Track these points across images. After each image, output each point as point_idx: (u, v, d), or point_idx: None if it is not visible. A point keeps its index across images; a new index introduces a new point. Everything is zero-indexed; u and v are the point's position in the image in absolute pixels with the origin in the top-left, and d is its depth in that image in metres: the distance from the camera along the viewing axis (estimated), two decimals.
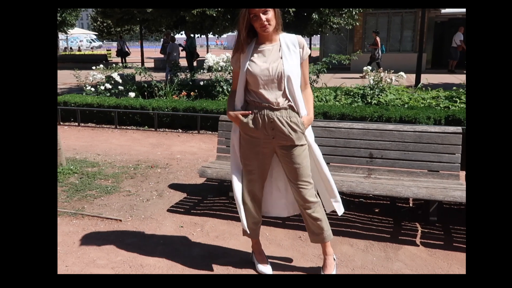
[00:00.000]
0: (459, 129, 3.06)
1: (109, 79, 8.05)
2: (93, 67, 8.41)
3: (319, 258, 2.63)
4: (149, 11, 8.04)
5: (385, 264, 2.58)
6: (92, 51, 38.81)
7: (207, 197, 3.69)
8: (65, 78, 14.33)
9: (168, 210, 3.42)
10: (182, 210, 3.43)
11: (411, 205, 3.49)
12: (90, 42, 46.50)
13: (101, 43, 46.19)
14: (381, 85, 6.74)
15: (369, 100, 6.59)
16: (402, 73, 6.80)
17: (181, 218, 3.27)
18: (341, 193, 3.72)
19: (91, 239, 2.92)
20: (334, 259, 2.48)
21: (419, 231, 3.00)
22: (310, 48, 14.36)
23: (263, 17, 2.08)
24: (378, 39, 14.21)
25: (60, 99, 7.15)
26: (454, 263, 2.58)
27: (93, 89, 7.83)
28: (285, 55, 2.17)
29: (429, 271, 2.49)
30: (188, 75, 8.95)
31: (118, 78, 7.99)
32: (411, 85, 9.45)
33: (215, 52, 31.33)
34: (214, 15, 7.84)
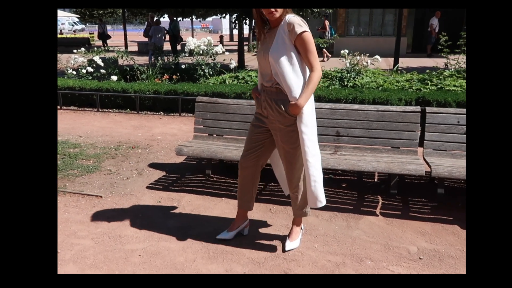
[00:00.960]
0: (418, 108, 3.28)
1: (91, 62, 8.07)
2: (75, 51, 8.40)
3: (287, 228, 2.85)
4: None
5: (345, 232, 2.82)
6: (75, 34, 38.02)
7: (185, 175, 3.87)
8: None
9: (147, 187, 3.59)
10: (161, 187, 3.61)
11: (376, 180, 3.73)
12: (73, 25, 45.44)
13: (83, 26, 45.22)
14: (357, 68, 6.94)
15: (346, 83, 6.79)
16: (377, 56, 7.00)
17: (159, 194, 3.45)
18: None
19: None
20: (301, 229, 2.72)
21: (380, 203, 3.24)
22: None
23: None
24: (326, 22, 14.80)
25: None
26: (408, 230, 2.83)
27: (74, 72, 7.86)
28: (276, 39, 2.24)
29: (385, 237, 2.74)
30: (172, 59, 9.01)
31: (100, 62, 8.02)
32: (390, 69, 9.69)
33: (200, 35, 31.07)
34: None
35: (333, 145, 3.47)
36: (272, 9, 2.18)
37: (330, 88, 6.52)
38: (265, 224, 2.93)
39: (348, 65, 7.02)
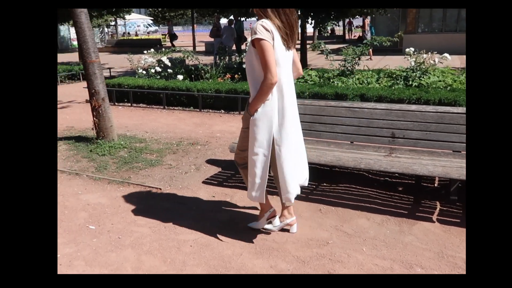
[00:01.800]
0: None
1: (159, 62, 8.56)
2: (145, 52, 8.96)
3: (335, 229, 2.84)
4: None
5: (397, 237, 2.74)
6: (148, 35, 40.33)
7: (237, 172, 3.99)
8: (121, 62, 15.24)
9: (203, 182, 3.76)
10: (216, 182, 3.76)
11: (436, 185, 3.56)
12: (147, 27, 48.18)
13: (157, 27, 47.71)
14: (423, 67, 6.60)
15: (410, 83, 6.50)
16: (446, 54, 6.59)
17: (214, 189, 3.60)
18: (358, 169, 3.85)
19: (134, 203, 3.33)
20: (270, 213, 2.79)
21: (438, 209, 3.09)
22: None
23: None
24: (366, 21, 14.31)
25: (115, 82, 7.77)
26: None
27: (144, 72, 8.39)
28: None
29: (439, 245, 2.62)
30: (236, 58, 9.26)
31: (167, 62, 8.47)
32: (462, 67, 9.07)
33: None
34: None
35: (388, 146, 3.37)
36: (254, 10, 2.29)
37: (393, 88, 6.29)
38: (314, 223, 2.94)
39: (413, 63, 6.71)
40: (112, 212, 3.17)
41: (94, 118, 4.71)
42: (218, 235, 2.79)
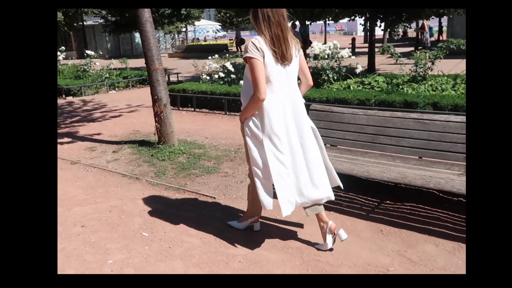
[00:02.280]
0: None
1: (223, 68, 8.67)
2: (209, 57, 9.13)
3: (398, 254, 2.57)
4: None
5: None
6: (216, 41, 41.57)
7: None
8: (189, 67, 15.74)
9: None
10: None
11: None
12: (216, 32, 49.71)
13: (225, 33, 49.03)
14: None
15: None
16: None
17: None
18: (427, 189, 3.49)
19: (188, 211, 3.31)
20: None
21: None
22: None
23: None
24: (426, 22, 13.38)
25: (180, 87, 8.00)
26: None
27: (208, 77, 8.54)
28: None
29: None
30: None
31: (230, 67, 8.55)
32: None
33: (334, 38, 30.71)
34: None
35: (462, 164, 3.00)
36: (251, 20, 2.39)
37: None
38: (374, 246, 2.69)
39: None
40: (166, 219, 3.18)
41: (156, 124, 4.83)
42: (268, 252, 2.65)
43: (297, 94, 2.49)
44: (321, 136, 3.66)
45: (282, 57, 2.35)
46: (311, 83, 2.67)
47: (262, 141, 2.41)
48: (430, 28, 14.30)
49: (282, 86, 2.39)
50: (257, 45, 2.29)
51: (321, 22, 17.63)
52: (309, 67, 8.93)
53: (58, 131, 6.46)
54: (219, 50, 22.12)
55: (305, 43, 14.83)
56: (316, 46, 7.39)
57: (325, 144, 3.71)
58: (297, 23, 13.93)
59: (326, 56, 7.56)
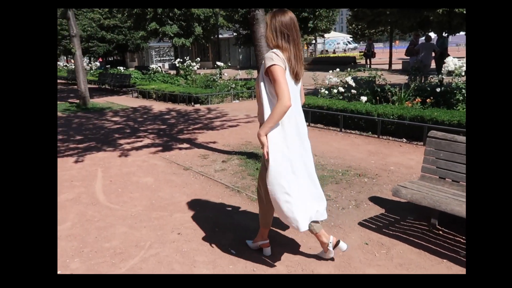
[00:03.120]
0: None
1: (343, 83, 8.35)
2: (330, 71, 8.89)
3: None
4: (389, 12, 7.82)
5: None
6: (345, 53, 40.85)
7: (406, 218, 3.37)
8: (311, 80, 15.72)
9: (359, 223, 3.32)
10: (374, 226, 3.26)
11: None
12: (346, 45, 48.92)
13: (356, 45, 47.87)
14: None
15: None
16: None
17: (369, 234, 3.12)
18: None
19: (279, 234, 3.17)
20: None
21: None
22: None
23: None
24: None
25: None
26: None
27: (326, 92, 8.31)
28: (261, 70, 2.43)
29: None
30: (433, 79, 8.23)
31: (351, 82, 8.18)
32: None
33: None
34: (464, 12, 6.89)
35: None
36: (267, 35, 2.44)
37: None
38: None
39: None
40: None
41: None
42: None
43: (301, 110, 2.58)
44: (441, 168, 3.18)
45: (296, 75, 2.48)
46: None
47: (284, 153, 2.43)
48: None
49: (295, 101, 2.46)
50: (280, 56, 2.36)
51: (461, 33, 15.78)
52: (444, 85, 7.89)
53: (180, 136, 7.00)
54: (346, 63, 21.60)
55: (443, 56, 13.46)
56: (451, 62, 6.56)
57: (444, 179, 3.20)
58: (432, 34, 12.73)
59: (463, 73, 6.65)
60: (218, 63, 12.82)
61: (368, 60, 22.11)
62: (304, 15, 13.73)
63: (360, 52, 35.55)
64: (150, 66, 20.32)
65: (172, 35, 19.06)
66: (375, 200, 3.80)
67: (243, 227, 3.31)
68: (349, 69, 8.75)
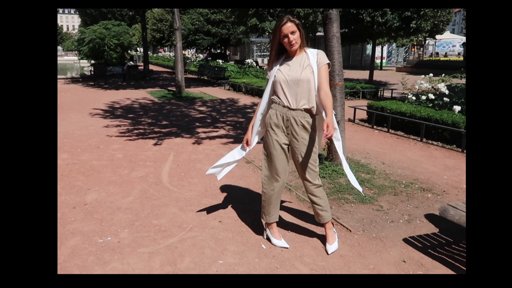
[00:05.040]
0: None
1: (435, 89, 7.74)
2: (423, 75, 8.29)
3: None
4: None
5: None
6: (458, 57, 37.27)
7: (459, 242, 3.08)
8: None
9: (405, 239, 3.13)
10: (420, 245, 3.04)
11: None
12: (462, 47, 44.51)
13: None
14: None
15: None
16: None
17: (411, 252, 2.93)
18: None
19: (316, 237, 3.14)
20: (335, 232, 3.07)
21: None
22: None
23: (291, 36, 2.60)
24: None
25: (378, 104, 7.60)
26: None
27: (414, 98, 7.79)
28: (304, 65, 2.64)
29: None
30: None
31: (444, 89, 7.54)
32: None
33: None
34: None
35: None
36: (294, 42, 2.61)
37: None
38: None
39: None
40: (291, 239, 3.11)
41: (326, 139, 4.75)
42: None
43: None
44: None
45: None
46: None
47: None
48: None
49: None
50: None
51: None
52: None
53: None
54: (454, 67, 19.82)
55: None
56: None
57: None
58: None
59: None
60: None
61: None
62: (406, 14, 12.91)
63: None
64: (246, 60, 21.05)
65: (271, 31, 19.49)
66: (432, 218, 3.52)
67: (281, 224, 3.35)
68: (443, 74, 8.06)
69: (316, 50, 2.72)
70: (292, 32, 2.60)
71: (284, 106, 2.73)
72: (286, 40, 2.63)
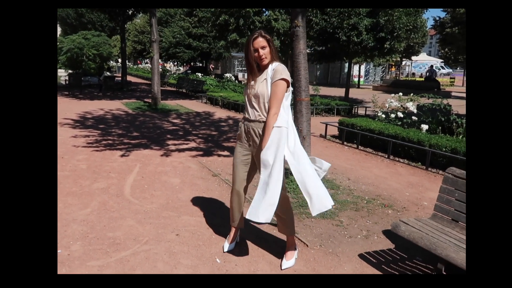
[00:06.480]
0: None
1: (404, 108, 7.94)
2: (392, 94, 8.49)
3: None
4: None
5: None
6: (421, 77, 38.41)
7: (413, 259, 3.12)
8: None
9: (360, 255, 3.15)
10: (374, 261, 3.07)
11: None
12: (439, 69, 45.90)
13: (450, 70, 44.74)
14: None
15: None
16: None
17: (365, 268, 2.95)
18: None
19: (275, 251, 3.13)
20: (296, 248, 3.06)
21: None
22: None
23: (261, 51, 2.64)
24: None
25: (349, 121, 7.73)
26: None
27: (383, 116, 7.95)
28: (265, 80, 2.67)
29: None
30: None
31: (412, 108, 7.74)
32: None
33: None
34: None
35: None
36: (263, 56, 2.66)
37: None
38: None
39: None
40: (243, 252, 3.09)
41: None
42: None
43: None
44: (455, 210, 2.91)
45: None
46: None
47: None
48: None
49: None
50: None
51: None
52: None
53: (225, 144, 7.19)
54: (428, 88, 20.39)
55: None
56: None
57: (457, 221, 2.93)
58: None
59: None
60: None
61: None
62: (381, 35, 13.30)
63: (451, 78, 33.14)
64: (225, 75, 21.16)
65: None
66: (389, 234, 3.56)
67: (245, 232, 3.32)
68: (412, 94, 8.28)
69: (276, 63, 2.68)
70: (263, 47, 2.64)
71: (245, 118, 2.82)
72: (256, 54, 2.67)
